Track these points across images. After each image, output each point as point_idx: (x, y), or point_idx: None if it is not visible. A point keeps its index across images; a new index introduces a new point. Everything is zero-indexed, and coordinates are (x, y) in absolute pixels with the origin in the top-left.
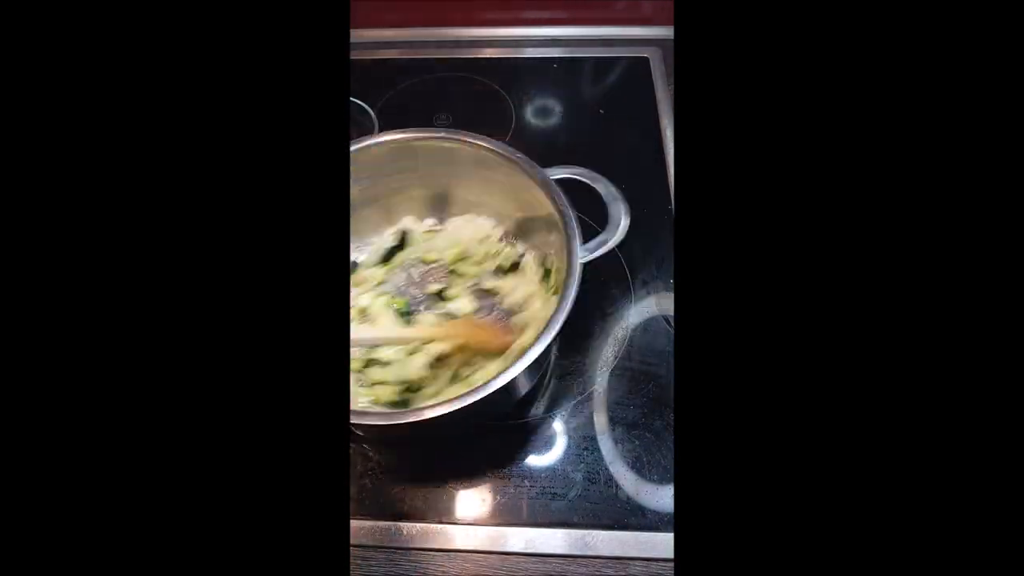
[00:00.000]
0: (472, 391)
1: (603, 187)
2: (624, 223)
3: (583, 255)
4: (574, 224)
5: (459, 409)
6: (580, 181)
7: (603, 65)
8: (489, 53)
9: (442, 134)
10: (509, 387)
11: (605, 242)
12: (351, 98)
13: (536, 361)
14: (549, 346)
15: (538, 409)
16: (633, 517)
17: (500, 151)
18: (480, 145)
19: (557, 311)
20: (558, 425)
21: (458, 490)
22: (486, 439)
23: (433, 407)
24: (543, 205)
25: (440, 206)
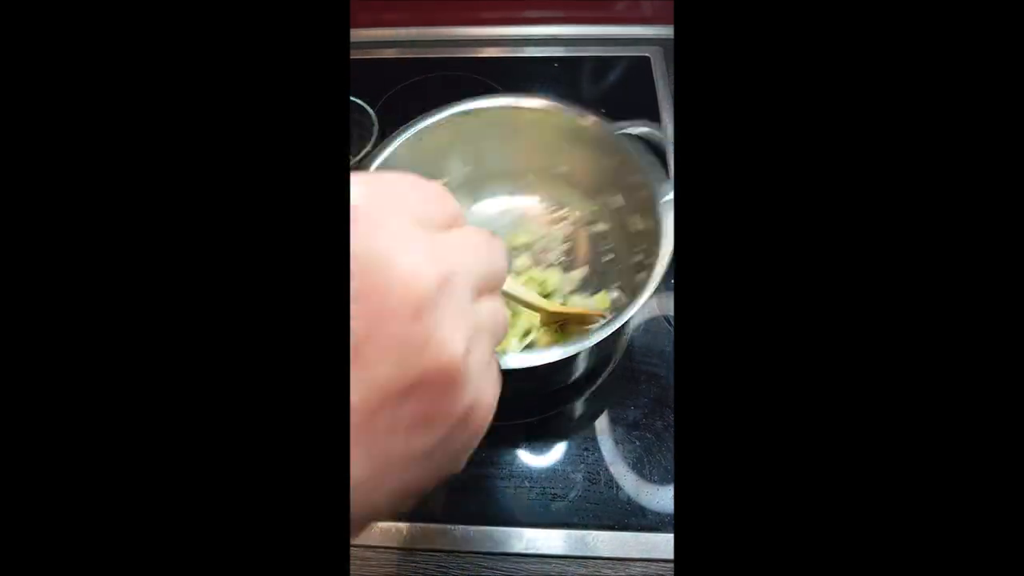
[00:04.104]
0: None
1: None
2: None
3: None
4: (657, 166)
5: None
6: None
7: (603, 65)
8: (489, 52)
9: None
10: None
11: None
12: (351, 98)
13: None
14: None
15: (538, 409)
16: (633, 518)
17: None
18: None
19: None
20: (558, 425)
21: (458, 490)
22: (486, 439)
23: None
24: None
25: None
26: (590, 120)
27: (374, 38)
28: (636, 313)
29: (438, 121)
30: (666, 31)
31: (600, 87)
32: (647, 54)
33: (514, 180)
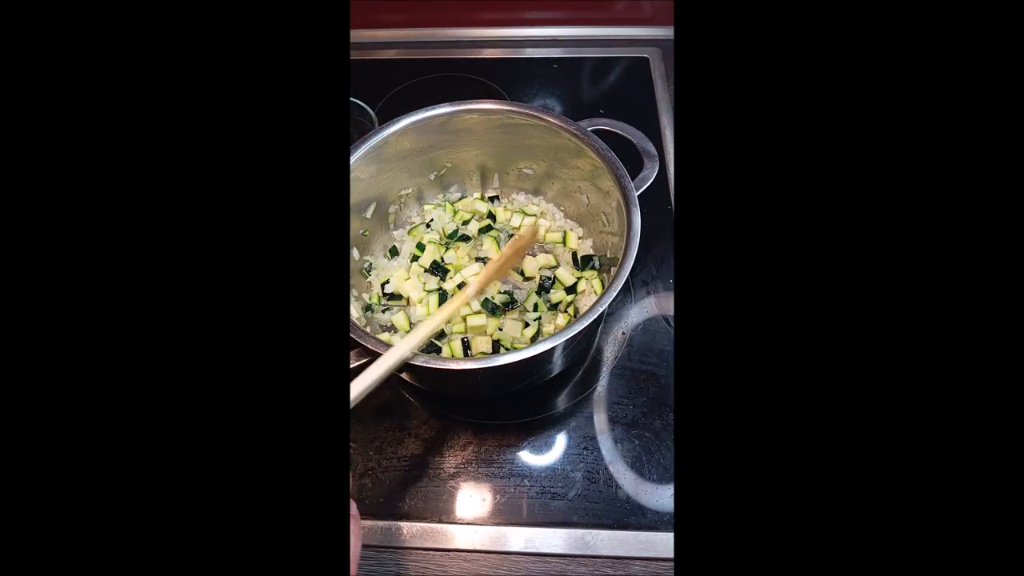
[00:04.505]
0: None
1: (630, 134)
2: (655, 161)
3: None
4: (620, 164)
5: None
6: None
7: (603, 65)
8: (489, 53)
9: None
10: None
11: (647, 178)
12: (351, 98)
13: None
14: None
15: (538, 408)
16: (633, 517)
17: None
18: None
19: (628, 242)
20: (558, 425)
21: (458, 490)
22: (486, 438)
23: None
24: (582, 157)
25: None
26: (556, 119)
27: (374, 38)
28: (632, 313)
29: (403, 127)
30: (665, 31)
31: (599, 88)
32: (646, 55)
33: (481, 179)
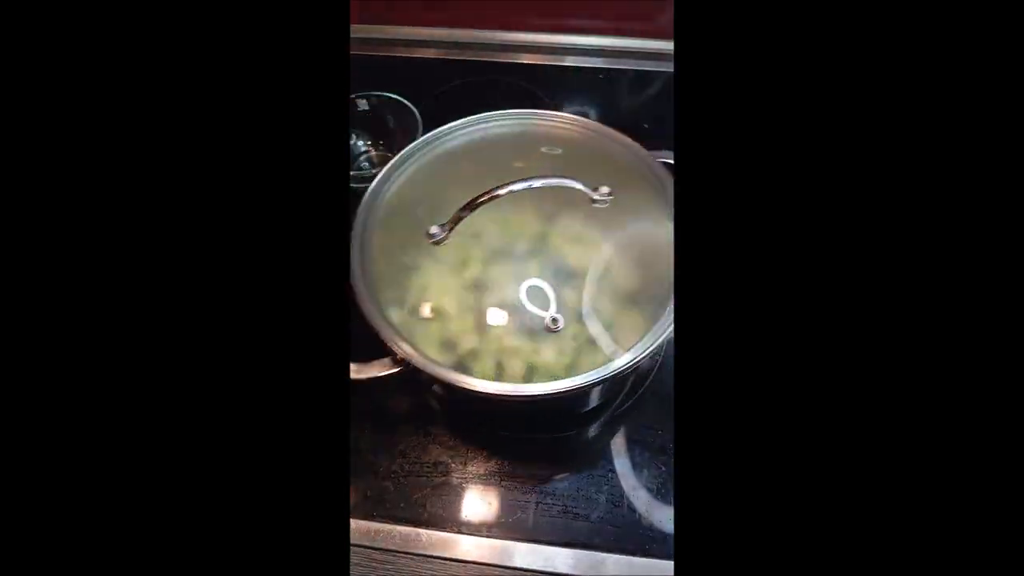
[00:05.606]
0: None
1: None
2: None
3: None
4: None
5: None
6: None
7: (644, 78)
8: (528, 59)
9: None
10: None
11: None
12: (398, 97)
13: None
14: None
15: (565, 425)
16: (655, 544)
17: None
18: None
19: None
20: (584, 444)
21: (479, 501)
22: (511, 451)
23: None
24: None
25: None
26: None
27: (416, 36)
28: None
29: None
30: None
31: (639, 99)
32: None
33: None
